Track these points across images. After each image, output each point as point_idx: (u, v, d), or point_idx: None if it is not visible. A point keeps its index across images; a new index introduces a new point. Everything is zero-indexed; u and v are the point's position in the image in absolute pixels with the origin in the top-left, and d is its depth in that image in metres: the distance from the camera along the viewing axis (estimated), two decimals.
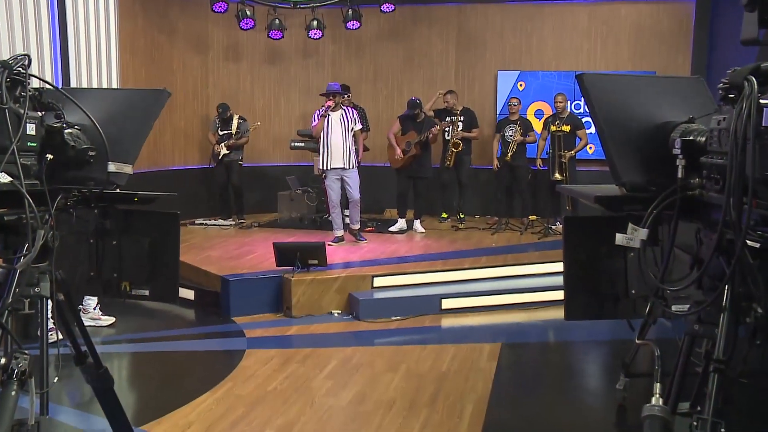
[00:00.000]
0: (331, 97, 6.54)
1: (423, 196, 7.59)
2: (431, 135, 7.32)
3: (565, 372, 4.29)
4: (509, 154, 7.72)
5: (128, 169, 2.03)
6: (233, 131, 8.24)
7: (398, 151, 7.29)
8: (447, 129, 7.95)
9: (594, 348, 4.74)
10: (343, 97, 7.02)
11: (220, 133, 8.37)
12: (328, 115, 6.52)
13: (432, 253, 6.55)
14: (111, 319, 5.17)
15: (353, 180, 6.57)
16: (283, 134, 9.46)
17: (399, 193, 7.55)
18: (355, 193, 6.61)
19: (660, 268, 1.86)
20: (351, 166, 6.56)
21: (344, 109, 6.62)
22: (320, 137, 6.55)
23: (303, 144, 8.36)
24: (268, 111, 9.47)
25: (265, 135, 9.39)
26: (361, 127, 6.91)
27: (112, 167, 2.00)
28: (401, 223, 7.61)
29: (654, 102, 1.95)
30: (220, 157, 8.26)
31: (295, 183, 8.47)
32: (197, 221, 8.24)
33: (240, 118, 8.43)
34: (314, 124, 6.58)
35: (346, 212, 7.28)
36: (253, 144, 9.05)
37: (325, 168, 6.62)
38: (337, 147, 6.51)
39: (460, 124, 8.06)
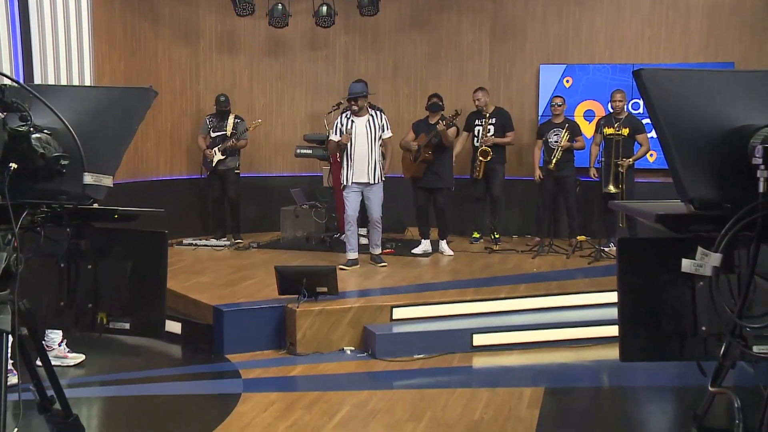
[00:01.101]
0: (353, 102, 6.55)
1: (446, 211, 7.56)
2: (442, 136, 7.17)
3: (621, 424, 4.22)
4: (553, 163, 7.68)
5: (107, 181, 2.01)
6: (229, 130, 8.25)
7: (412, 144, 7.26)
8: (476, 133, 8.04)
9: (656, 396, 4.65)
10: (366, 98, 6.96)
11: (213, 135, 8.37)
12: (352, 121, 6.54)
13: (462, 280, 6.55)
14: (80, 357, 5.11)
15: (376, 197, 6.61)
16: (286, 140, 9.45)
17: (418, 209, 7.54)
18: (376, 211, 6.63)
19: (737, 300, 1.81)
20: (376, 181, 6.59)
21: (372, 114, 6.62)
22: (341, 148, 6.57)
23: (311, 151, 8.36)
24: (269, 112, 9.49)
25: (266, 140, 9.40)
26: (391, 135, 6.85)
27: (88, 179, 1.98)
28: (425, 245, 7.59)
29: (730, 101, 1.90)
30: (213, 165, 8.25)
31: (300, 197, 8.48)
32: (186, 241, 8.23)
33: (237, 117, 8.44)
34: (334, 139, 6.53)
35: (362, 232, 7.31)
36: (253, 151, 9.09)
37: (345, 182, 6.64)
38: (362, 159, 6.55)
39: (491, 127, 8.06)
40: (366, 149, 6.50)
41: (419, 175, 7.40)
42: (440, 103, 7.49)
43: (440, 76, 9.26)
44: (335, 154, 6.88)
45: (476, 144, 8.12)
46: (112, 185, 2.03)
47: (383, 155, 6.75)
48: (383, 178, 6.70)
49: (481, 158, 7.92)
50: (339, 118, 6.74)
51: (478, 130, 8.17)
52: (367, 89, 6.82)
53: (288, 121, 9.57)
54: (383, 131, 6.65)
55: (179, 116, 8.82)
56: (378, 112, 6.74)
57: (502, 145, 8.14)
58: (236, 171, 8.39)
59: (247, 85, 9.38)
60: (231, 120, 8.30)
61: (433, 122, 7.42)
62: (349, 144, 6.48)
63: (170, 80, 8.70)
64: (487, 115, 8.03)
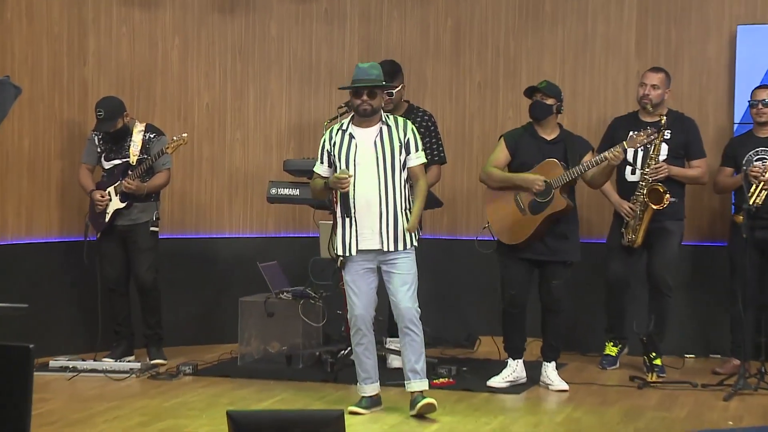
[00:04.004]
0: (363, 97, 6.50)
1: (562, 306, 7.60)
2: (606, 160, 7.13)
3: None
4: (757, 207, 7.59)
5: None
6: (133, 156, 8.17)
7: (538, 182, 7.26)
8: (631, 158, 8.01)
9: None
10: (388, 96, 7.32)
11: (106, 164, 8.28)
12: (351, 136, 6.58)
13: None
14: None
15: (406, 271, 6.65)
16: (251, 170, 9.39)
17: (508, 300, 7.53)
18: (406, 298, 6.62)
19: None
20: (401, 246, 6.60)
21: (388, 123, 6.71)
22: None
23: (296, 192, 8.19)
24: (218, 118, 9.36)
25: (211, 171, 9.28)
26: (424, 161, 6.75)
27: None
28: (513, 368, 7.57)
29: None
30: (108, 218, 8.09)
31: (277, 277, 8.42)
32: (57, 362, 8.04)
33: (149, 130, 8.32)
34: (320, 172, 6.86)
35: (393, 344, 7.58)
36: (183, 191, 9.03)
37: (344, 251, 6.67)
38: (369, 204, 6.62)
39: (665, 148, 7.87)
40: (376, 188, 6.57)
41: (535, 240, 7.41)
42: (550, 104, 7.43)
43: (542, 49, 9.17)
44: (323, 198, 7.15)
45: (631, 177, 7.99)
46: None
47: (414, 192, 6.67)
48: (416, 242, 6.69)
49: (651, 203, 7.68)
50: (328, 132, 6.89)
51: (637, 152, 7.92)
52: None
53: (255, 136, 9.44)
54: (407, 152, 6.60)
55: (44, 128, 8.71)
56: (399, 121, 6.81)
57: (683, 182, 8.00)
58: (151, 228, 8.22)
59: (177, 66, 9.19)
60: (138, 137, 8.20)
61: (552, 139, 7.48)
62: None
63: (29, 59, 8.58)
64: (663, 121, 7.72)
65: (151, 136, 8.22)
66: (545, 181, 7.24)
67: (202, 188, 9.31)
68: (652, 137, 7.43)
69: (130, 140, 8.19)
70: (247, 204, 9.33)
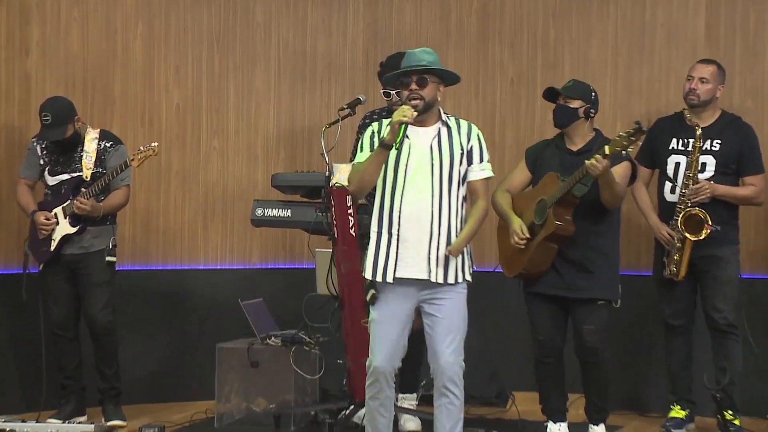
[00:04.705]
0: (412, 86, 6.34)
1: (605, 358, 7.49)
2: (601, 181, 7.10)
3: None
4: None
5: None
6: (86, 170, 8.02)
7: (517, 232, 7.37)
8: (671, 173, 7.99)
9: None
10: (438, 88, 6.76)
11: (51, 179, 8.11)
12: (404, 133, 6.26)
13: None
14: None
15: (454, 315, 6.38)
16: (231, 186, 9.21)
17: (539, 349, 7.54)
18: (450, 351, 6.37)
19: None
20: (452, 278, 6.34)
21: (448, 123, 6.48)
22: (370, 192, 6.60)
23: (287, 213, 7.96)
24: (193, 122, 9.15)
25: (181, 188, 9.11)
26: (491, 175, 6.63)
27: None
28: None
29: None
30: (53, 246, 7.91)
31: (263, 318, 8.31)
32: None
33: (105, 137, 8.13)
34: (359, 164, 6.51)
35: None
36: (147, 213, 8.93)
37: (376, 275, 6.37)
38: (418, 219, 6.35)
39: (711, 161, 7.83)
40: (428, 201, 6.31)
41: (540, 270, 7.39)
42: (575, 108, 7.42)
43: (590, 37, 9.03)
44: (373, 177, 6.52)
45: (670, 197, 7.92)
46: None
47: (475, 210, 6.60)
48: (470, 275, 6.48)
49: (687, 232, 7.67)
50: (376, 124, 6.64)
51: (678, 165, 7.95)
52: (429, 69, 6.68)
53: (237, 144, 9.24)
54: (470, 162, 6.42)
55: None
56: (463, 123, 6.60)
57: (736, 202, 7.89)
58: (107, 258, 8.00)
59: (142, 58, 9.01)
60: (91, 146, 8.03)
61: (578, 149, 7.43)
62: (383, 185, 6.37)
63: None
64: (698, 133, 7.76)
65: (107, 145, 7.96)
66: (540, 199, 7.18)
67: (171, 209, 9.02)
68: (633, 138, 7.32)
69: (82, 150, 7.93)
70: (226, 228, 9.09)
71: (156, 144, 8.02)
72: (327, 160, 7.60)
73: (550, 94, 7.46)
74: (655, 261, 8.05)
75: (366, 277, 6.40)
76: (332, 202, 7.21)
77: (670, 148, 7.92)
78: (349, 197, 7.20)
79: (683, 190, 7.71)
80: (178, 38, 9.04)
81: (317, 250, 7.89)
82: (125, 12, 8.87)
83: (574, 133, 7.34)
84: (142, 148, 7.94)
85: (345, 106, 7.60)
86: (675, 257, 7.76)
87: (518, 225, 7.27)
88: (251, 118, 9.19)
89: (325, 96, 9.12)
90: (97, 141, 8.03)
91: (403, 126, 6.12)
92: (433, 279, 6.22)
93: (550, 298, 7.40)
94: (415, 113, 6.21)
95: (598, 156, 6.87)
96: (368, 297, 6.43)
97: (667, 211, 7.86)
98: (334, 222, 7.05)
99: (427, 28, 9.15)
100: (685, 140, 7.83)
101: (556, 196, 7.12)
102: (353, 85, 9.06)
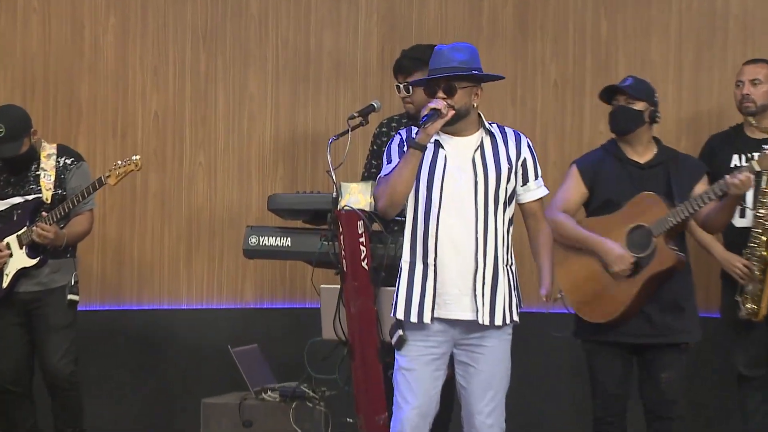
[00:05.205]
0: (439, 94, 6.11)
1: (673, 409, 7.12)
2: (727, 189, 6.91)
3: None
4: None
5: None
6: (46, 191, 7.82)
7: (624, 257, 7.04)
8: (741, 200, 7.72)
9: None
10: (477, 92, 6.58)
11: (1, 204, 7.94)
12: (437, 143, 6.22)
13: None
14: None
15: (496, 366, 6.22)
16: (221, 208, 9.00)
17: (600, 408, 7.18)
18: (488, 411, 6.19)
19: None
20: (499, 320, 6.10)
21: (488, 129, 6.28)
22: (402, 210, 6.35)
23: (287, 242, 7.51)
24: (174, 133, 8.97)
25: (162, 207, 8.98)
26: (546, 191, 6.52)
27: None
28: None
29: None
30: (5, 282, 7.72)
31: (257, 368, 8.07)
32: None
33: (63, 153, 7.91)
34: (388, 175, 6.30)
35: None
36: (115, 235, 8.87)
37: (410, 316, 6.13)
38: (458, 249, 6.11)
39: None
40: (471, 225, 6.10)
41: (634, 313, 7.06)
42: (640, 110, 7.25)
43: (649, 31, 8.78)
44: (399, 203, 6.34)
45: (740, 222, 7.75)
46: None
47: (535, 236, 6.58)
48: (517, 315, 6.27)
49: (765, 257, 7.51)
50: (378, 132, 7.39)
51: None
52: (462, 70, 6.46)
53: (227, 160, 9.00)
54: (524, 180, 6.28)
55: None
56: (509, 132, 6.35)
57: None
58: (68, 297, 7.69)
59: (114, 58, 8.84)
60: (48, 163, 7.89)
61: (647, 162, 7.42)
62: (415, 206, 6.23)
63: None
64: None
65: (67, 162, 7.68)
66: (638, 225, 6.84)
67: (148, 237, 8.82)
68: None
69: (37, 168, 7.66)
70: (214, 260, 8.84)
71: (138, 157, 7.58)
72: (334, 178, 7.10)
73: (608, 93, 7.02)
74: (724, 300, 7.69)
75: (396, 317, 6.00)
76: (340, 229, 6.69)
77: (733, 165, 7.55)
78: (360, 223, 6.77)
79: (759, 211, 7.30)
80: (157, 33, 8.78)
81: (323, 286, 7.26)
82: (94, 2, 8.66)
83: (637, 141, 6.95)
84: (120, 163, 7.57)
85: (356, 114, 7.16)
86: (753, 293, 7.35)
87: (620, 249, 6.82)
88: (244, 128, 8.89)
89: (332, 102, 8.77)
90: (54, 157, 7.71)
91: (435, 116, 5.78)
92: (480, 320, 5.86)
93: (623, 345, 6.99)
94: (452, 112, 5.87)
95: (747, 173, 6.61)
96: (394, 341, 6.07)
97: (736, 239, 7.49)
98: (343, 252, 6.62)
99: (454, 21, 8.80)
100: (750, 155, 7.50)
101: (671, 222, 6.75)
102: (365, 88, 8.74)
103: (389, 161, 6.15)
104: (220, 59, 8.83)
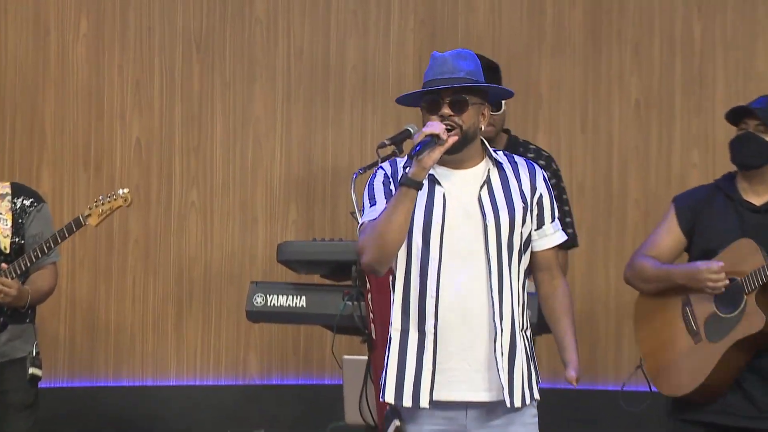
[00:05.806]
0: (443, 110, 5.75)
1: None
2: None
3: None
4: None
5: None
6: (4, 239, 7.68)
7: (713, 269, 6.81)
8: None
9: None
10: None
11: None
12: (432, 180, 5.95)
13: None
14: None
15: None
16: (219, 259, 8.89)
17: None
18: None
19: None
20: (518, 400, 5.72)
21: (493, 158, 6.08)
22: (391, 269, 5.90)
23: (300, 302, 7.62)
24: (160, 165, 8.88)
25: (146, 258, 8.88)
26: (564, 237, 6.22)
27: None
28: None
29: None
30: None
31: None
32: None
33: (19, 193, 7.66)
34: (374, 221, 5.90)
35: None
36: (87, 295, 8.78)
37: (403, 399, 5.75)
38: (466, 313, 5.70)
39: None
40: (482, 281, 5.67)
41: (723, 386, 6.82)
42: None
43: (755, 41, 8.78)
44: (390, 256, 5.97)
45: None
46: None
47: (553, 297, 6.12)
48: (537, 392, 5.88)
49: None
50: (387, 166, 6.38)
51: None
52: (501, 89, 6.37)
53: (226, 199, 8.89)
54: (539, 222, 5.84)
55: None
56: (519, 160, 6.05)
57: None
58: (30, 371, 7.40)
59: (87, 70, 8.74)
60: (2, 204, 7.64)
61: (762, 203, 7.12)
62: (406, 261, 5.78)
63: None
64: None
65: (26, 203, 7.26)
66: (731, 279, 6.36)
67: (128, 296, 8.59)
68: None
69: None
70: (209, 324, 8.60)
71: (127, 190, 7.10)
72: (356, 215, 6.65)
73: (736, 116, 6.41)
74: None
75: (386, 401, 5.43)
76: (368, 286, 6.38)
77: None
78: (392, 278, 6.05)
79: None
80: (139, 41, 8.60)
81: (345, 357, 7.07)
82: (62, 3, 8.52)
83: (760, 179, 6.42)
84: (103, 198, 7.15)
85: (387, 142, 6.05)
86: None
87: (708, 267, 6.26)
88: (247, 159, 8.69)
89: (357, 126, 8.58)
90: (9, 198, 7.27)
91: (431, 144, 5.16)
92: (508, 403, 5.32)
93: (719, 427, 6.39)
94: (454, 138, 5.25)
95: None
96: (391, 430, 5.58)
97: None
98: (372, 315, 6.34)
99: (509, 26, 8.66)
100: None
101: (764, 277, 6.19)
102: (398, 109, 7.89)
103: (372, 203, 5.59)
104: (218, 72, 8.58)
